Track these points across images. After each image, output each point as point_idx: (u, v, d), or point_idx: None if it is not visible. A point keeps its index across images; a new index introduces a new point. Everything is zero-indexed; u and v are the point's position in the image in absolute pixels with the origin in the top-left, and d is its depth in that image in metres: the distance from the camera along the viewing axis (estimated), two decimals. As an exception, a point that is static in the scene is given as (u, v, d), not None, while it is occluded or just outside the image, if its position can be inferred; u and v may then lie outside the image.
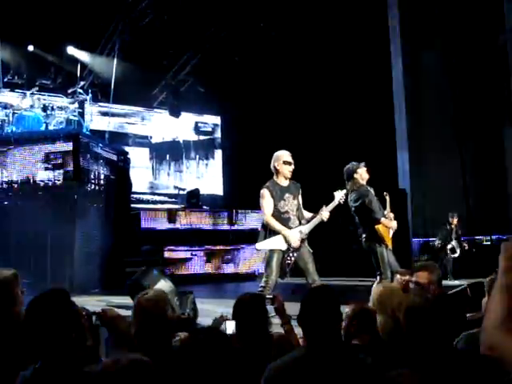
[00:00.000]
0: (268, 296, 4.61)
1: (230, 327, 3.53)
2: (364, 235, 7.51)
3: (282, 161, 6.91)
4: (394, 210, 7.84)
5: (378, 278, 7.17)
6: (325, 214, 6.87)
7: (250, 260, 13.98)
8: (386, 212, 7.61)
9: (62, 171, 11.01)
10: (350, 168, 7.61)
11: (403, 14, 15.10)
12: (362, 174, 7.56)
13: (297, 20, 15.74)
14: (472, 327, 3.59)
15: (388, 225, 7.43)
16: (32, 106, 12.82)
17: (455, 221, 12.58)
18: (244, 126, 18.04)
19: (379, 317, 3.73)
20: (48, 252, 10.60)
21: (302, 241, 6.83)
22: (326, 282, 7.08)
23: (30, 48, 15.12)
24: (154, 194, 18.31)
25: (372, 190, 7.55)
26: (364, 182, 7.57)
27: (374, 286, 6.83)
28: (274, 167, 6.96)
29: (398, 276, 4.94)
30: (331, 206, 7.01)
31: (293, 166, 6.93)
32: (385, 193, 7.84)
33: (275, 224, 6.74)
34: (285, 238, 6.72)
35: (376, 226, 7.33)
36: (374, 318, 3.63)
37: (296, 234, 6.77)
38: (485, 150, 15.22)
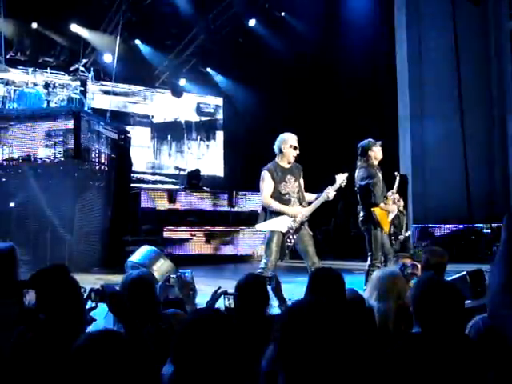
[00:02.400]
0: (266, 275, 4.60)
1: (228, 301, 3.53)
2: (362, 213, 7.47)
3: (289, 144, 6.83)
4: (399, 192, 7.80)
5: (369, 259, 7.15)
6: (331, 193, 6.80)
7: (249, 241, 13.98)
8: (392, 192, 7.57)
9: (62, 149, 10.99)
10: (366, 144, 7.45)
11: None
12: (377, 153, 7.44)
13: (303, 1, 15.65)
14: (471, 315, 3.58)
15: (386, 209, 7.38)
16: (35, 84, 12.79)
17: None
18: (246, 108, 17.98)
19: (381, 304, 3.70)
20: (48, 230, 10.61)
21: (302, 223, 6.80)
22: (324, 264, 7.07)
23: (34, 25, 15.03)
24: (154, 173, 18.30)
25: (380, 174, 7.49)
26: (376, 162, 7.48)
27: (367, 266, 6.86)
28: (280, 149, 6.89)
29: (400, 260, 4.95)
30: (334, 187, 6.95)
31: (298, 151, 6.88)
32: (396, 173, 7.78)
33: (275, 204, 6.70)
34: (288, 215, 6.69)
35: (372, 209, 7.29)
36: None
37: (298, 209, 6.73)
38: (488, 135, 15.19)
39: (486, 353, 2.75)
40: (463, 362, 2.65)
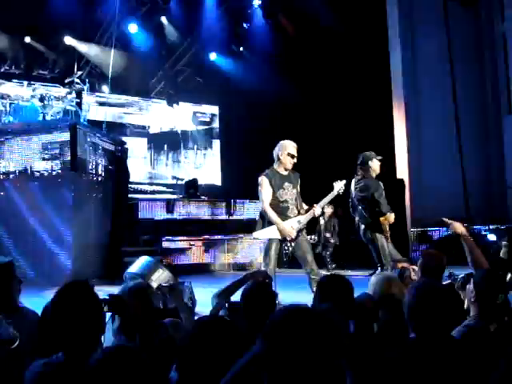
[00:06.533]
0: None
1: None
2: (363, 226, 7.51)
3: (287, 152, 6.87)
4: (392, 199, 7.85)
5: (380, 269, 7.15)
6: (317, 209, 6.87)
7: (248, 250, 13.97)
8: None
9: (59, 161, 10.97)
10: (368, 155, 7.59)
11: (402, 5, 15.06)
12: (375, 166, 7.55)
13: (296, 7, 15.70)
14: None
15: (390, 219, 7.45)
16: (33, 97, 12.81)
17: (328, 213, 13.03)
18: (242, 116, 18.00)
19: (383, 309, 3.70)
20: (46, 242, 10.59)
21: (300, 230, 6.82)
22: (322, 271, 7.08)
23: (27, 39, 15.06)
24: (152, 184, 18.28)
25: (382, 184, 7.56)
26: (374, 175, 7.57)
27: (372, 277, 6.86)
28: (277, 156, 6.92)
29: (397, 264, 4.97)
30: (330, 196, 7.00)
31: (295, 160, 6.91)
32: (379, 182, 7.87)
33: (272, 215, 6.72)
34: (280, 231, 6.71)
35: (380, 218, 7.35)
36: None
37: (293, 225, 6.74)
38: (484, 138, 15.21)
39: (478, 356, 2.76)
40: (456, 366, 2.66)
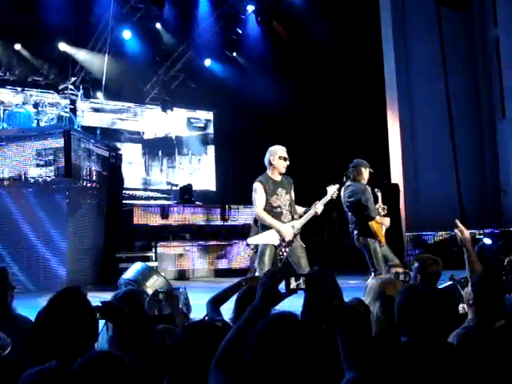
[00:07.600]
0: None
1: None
2: (356, 231, 7.51)
3: (278, 156, 6.88)
4: (386, 204, 7.85)
5: (372, 274, 7.14)
6: (319, 207, 6.86)
7: (243, 255, 13.94)
8: (378, 205, 7.63)
9: (53, 168, 10.94)
10: (362, 161, 7.64)
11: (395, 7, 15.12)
12: (365, 174, 7.58)
13: (290, 12, 15.74)
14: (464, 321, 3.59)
15: (381, 222, 7.45)
16: (24, 103, 12.79)
17: None
18: (237, 122, 18.00)
19: (384, 312, 3.68)
20: (40, 249, 10.57)
21: (295, 236, 6.82)
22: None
23: (17, 47, 15.04)
24: (146, 189, 18.24)
25: (369, 189, 7.57)
26: (364, 182, 7.60)
27: (369, 280, 6.86)
28: (269, 162, 6.92)
29: (391, 269, 4.96)
30: (324, 200, 7.00)
31: (288, 162, 6.92)
32: (376, 189, 7.87)
33: (267, 218, 6.72)
34: (278, 232, 6.70)
35: (370, 223, 7.35)
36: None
37: (289, 228, 6.76)
38: (478, 141, 15.25)
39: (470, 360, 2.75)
40: (447, 370, 2.65)
